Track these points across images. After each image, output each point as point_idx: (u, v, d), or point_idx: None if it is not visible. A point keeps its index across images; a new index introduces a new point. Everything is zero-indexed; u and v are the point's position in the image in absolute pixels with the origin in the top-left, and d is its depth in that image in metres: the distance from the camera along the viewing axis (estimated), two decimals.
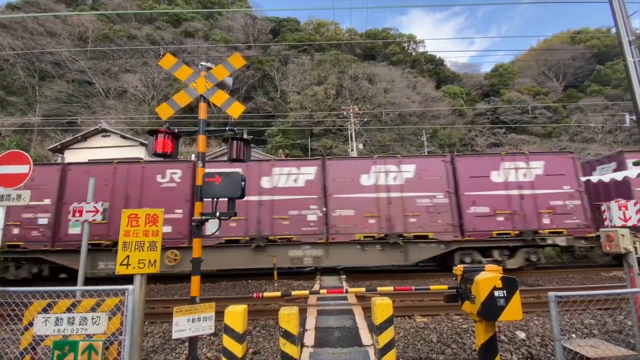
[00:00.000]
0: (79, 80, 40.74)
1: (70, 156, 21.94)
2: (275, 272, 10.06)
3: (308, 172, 10.53)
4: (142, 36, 45.14)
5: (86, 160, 17.67)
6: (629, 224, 4.17)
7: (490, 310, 3.19)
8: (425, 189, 10.33)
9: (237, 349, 3.17)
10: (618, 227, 4.14)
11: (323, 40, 50.04)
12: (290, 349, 3.16)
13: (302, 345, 4.35)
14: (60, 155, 22.52)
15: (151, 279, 10.23)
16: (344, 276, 10.01)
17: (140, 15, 48.19)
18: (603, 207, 4.49)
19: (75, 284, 5.88)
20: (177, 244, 9.82)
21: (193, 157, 18.66)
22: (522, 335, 4.95)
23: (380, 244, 10.08)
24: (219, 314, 3.68)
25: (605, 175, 5.42)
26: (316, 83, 42.20)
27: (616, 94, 41.80)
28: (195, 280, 3.87)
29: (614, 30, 7.08)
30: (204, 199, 4.00)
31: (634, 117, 6.63)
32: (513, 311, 3.18)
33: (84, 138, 22.91)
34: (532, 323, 5.49)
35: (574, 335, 4.98)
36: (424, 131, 37.44)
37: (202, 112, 4.29)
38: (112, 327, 3.41)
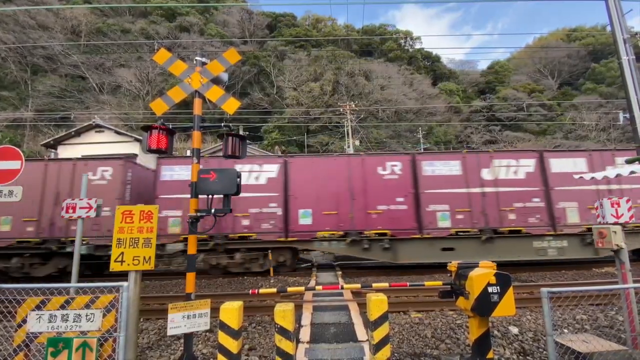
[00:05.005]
0: (72, 75, 40.18)
1: (64, 152, 21.68)
2: (272, 269, 10.07)
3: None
4: (136, 30, 44.58)
5: (80, 156, 17.47)
6: (621, 220, 4.22)
7: (484, 305, 3.22)
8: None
9: (232, 345, 3.17)
10: (610, 224, 4.19)
11: (320, 36, 49.77)
12: (285, 344, 3.18)
13: (298, 341, 4.37)
14: (53, 150, 22.25)
15: (146, 275, 10.20)
16: (340, 272, 10.04)
17: (135, 9, 47.53)
18: (596, 204, 4.54)
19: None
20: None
21: (189, 152, 18.45)
22: (515, 330, 5.01)
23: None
24: (215, 311, 3.68)
25: (599, 173, 5.46)
26: (313, 79, 42.04)
27: (610, 92, 42.19)
28: (191, 276, 3.86)
29: (609, 28, 7.12)
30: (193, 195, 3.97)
31: (627, 115, 6.68)
32: (506, 307, 3.22)
33: (78, 133, 22.62)
34: (525, 318, 5.56)
35: (566, 331, 5.05)
36: (420, 128, 37.53)
37: (197, 108, 4.26)
38: (107, 324, 3.40)
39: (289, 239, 9.85)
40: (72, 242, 9.44)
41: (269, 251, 10.12)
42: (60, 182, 9.96)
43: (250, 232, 9.86)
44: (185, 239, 9.67)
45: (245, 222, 9.90)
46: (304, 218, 9.96)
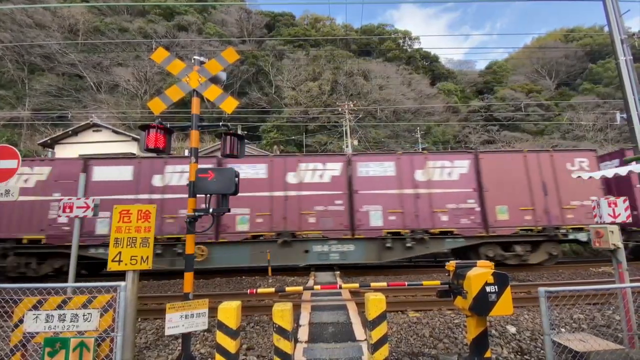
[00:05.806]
0: (69, 74, 39.93)
1: (61, 151, 21.59)
2: (270, 268, 10.07)
3: None
4: (134, 29, 44.35)
5: (77, 156, 17.39)
6: (618, 220, 4.24)
7: (482, 305, 3.23)
8: None
9: (230, 345, 3.16)
10: (607, 223, 4.20)
11: (318, 36, 49.72)
12: (284, 344, 3.17)
13: (296, 341, 4.37)
14: (50, 150, 22.15)
15: (144, 275, 10.16)
16: (338, 272, 10.05)
17: (132, 8, 47.29)
18: (593, 204, 4.55)
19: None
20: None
21: (187, 152, 18.39)
22: (512, 329, 5.03)
23: None
24: (213, 310, 3.67)
25: (597, 172, 5.48)
26: (311, 79, 41.98)
27: (608, 92, 42.32)
28: (189, 276, 3.85)
29: (606, 28, 7.14)
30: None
31: (624, 116, 6.71)
32: (504, 306, 3.22)
33: (75, 133, 22.56)
34: (523, 318, 5.57)
35: (563, 330, 5.07)
36: (418, 128, 37.53)
37: (195, 107, 4.24)
38: (104, 324, 3.38)
39: None
40: (574, 229, 10.32)
41: (268, 251, 10.12)
42: (543, 172, 10.64)
43: None
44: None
45: None
46: None
